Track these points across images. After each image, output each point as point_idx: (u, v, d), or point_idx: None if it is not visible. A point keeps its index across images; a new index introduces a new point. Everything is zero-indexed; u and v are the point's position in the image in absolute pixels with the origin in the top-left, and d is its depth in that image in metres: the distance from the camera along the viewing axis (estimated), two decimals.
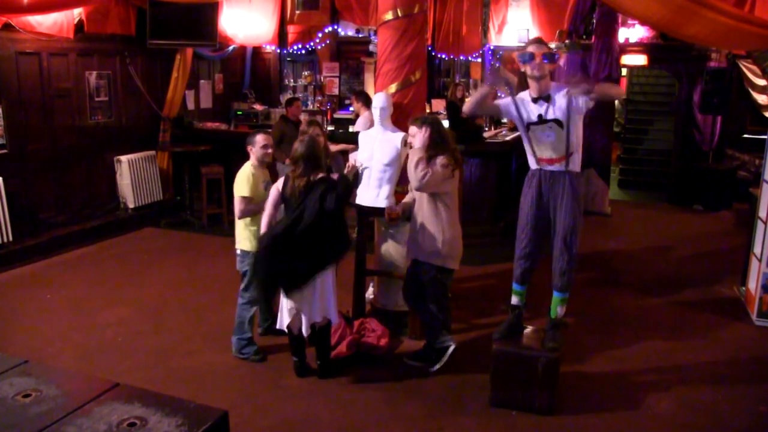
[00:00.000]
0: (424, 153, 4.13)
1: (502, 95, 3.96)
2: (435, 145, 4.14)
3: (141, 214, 8.05)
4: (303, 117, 7.52)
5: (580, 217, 3.84)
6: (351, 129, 7.33)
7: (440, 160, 4.12)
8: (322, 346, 4.27)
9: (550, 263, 3.92)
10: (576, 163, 3.81)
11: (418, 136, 4.19)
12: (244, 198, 4.34)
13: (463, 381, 4.30)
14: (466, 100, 4.06)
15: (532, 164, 3.90)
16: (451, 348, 4.35)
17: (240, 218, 4.39)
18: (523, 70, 3.78)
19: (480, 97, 3.88)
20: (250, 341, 4.55)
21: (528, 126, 3.79)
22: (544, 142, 3.76)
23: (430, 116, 4.44)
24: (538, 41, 3.86)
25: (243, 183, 4.35)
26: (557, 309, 3.95)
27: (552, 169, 3.79)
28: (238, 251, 4.49)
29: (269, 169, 4.80)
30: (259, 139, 4.46)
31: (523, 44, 10.15)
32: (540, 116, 3.72)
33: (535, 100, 3.75)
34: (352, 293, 4.98)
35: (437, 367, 4.35)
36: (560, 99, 3.69)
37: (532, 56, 3.66)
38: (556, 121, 3.69)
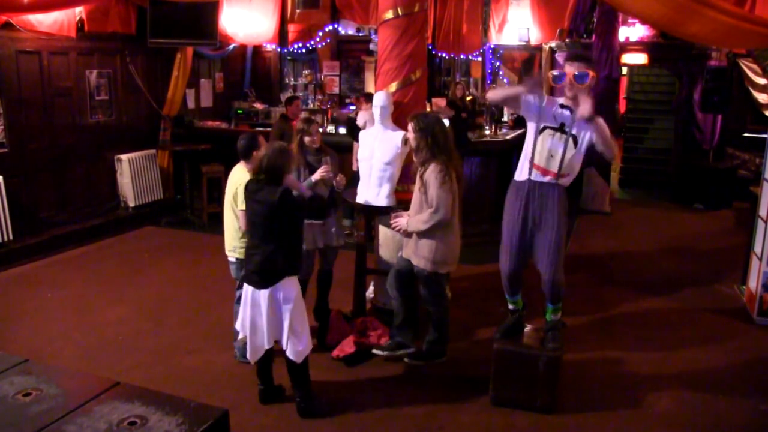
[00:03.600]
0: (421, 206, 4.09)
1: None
2: (428, 148, 4.02)
3: (141, 213, 8.05)
4: (302, 116, 7.52)
5: (565, 230, 3.84)
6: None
7: (434, 174, 3.95)
8: (299, 380, 3.86)
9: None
10: (566, 182, 3.83)
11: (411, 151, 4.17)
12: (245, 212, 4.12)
13: (464, 380, 4.31)
14: (490, 90, 4.02)
15: (523, 173, 3.84)
16: (409, 350, 4.35)
17: (247, 230, 4.20)
18: (555, 87, 3.79)
19: (511, 93, 3.94)
20: None
21: (544, 128, 3.74)
22: (550, 150, 3.72)
23: (432, 116, 4.27)
24: (578, 58, 3.77)
25: (242, 196, 4.12)
26: (552, 316, 3.99)
27: (542, 180, 3.77)
28: (233, 259, 4.37)
29: None
30: (264, 141, 4.29)
31: (524, 42, 10.21)
32: (563, 124, 3.70)
33: (563, 106, 3.73)
34: (353, 292, 4.98)
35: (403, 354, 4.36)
36: (585, 124, 3.67)
37: (564, 76, 3.65)
38: (573, 137, 3.68)
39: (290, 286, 3.70)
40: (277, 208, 3.56)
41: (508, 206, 3.92)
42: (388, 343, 4.50)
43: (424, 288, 4.24)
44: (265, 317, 3.66)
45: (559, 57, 9.51)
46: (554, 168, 3.74)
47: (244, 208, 4.11)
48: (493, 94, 4.07)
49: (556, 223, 3.76)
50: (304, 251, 4.62)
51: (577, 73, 3.62)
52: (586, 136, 3.69)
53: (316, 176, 4.35)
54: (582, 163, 3.88)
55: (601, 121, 3.62)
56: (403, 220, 4.15)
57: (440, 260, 4.11)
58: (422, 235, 4.08)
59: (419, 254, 4.13)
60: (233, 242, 4.33)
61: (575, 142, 3.69)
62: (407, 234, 4.18)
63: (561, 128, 3.71)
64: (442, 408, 3.96)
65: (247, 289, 3.73)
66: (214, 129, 8.88)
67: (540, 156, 3.77)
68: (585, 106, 3.55)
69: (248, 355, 3.83)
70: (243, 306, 3.78)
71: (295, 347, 3.71)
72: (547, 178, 3.76)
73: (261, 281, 3.65)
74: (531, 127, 3.84)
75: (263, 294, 3.64)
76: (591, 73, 3.64)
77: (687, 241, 7.74)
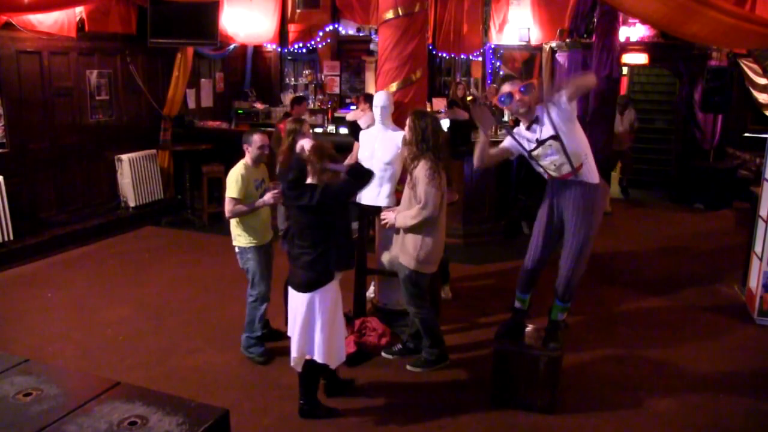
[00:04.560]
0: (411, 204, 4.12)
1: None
2: (416, 144, 4.07)
3: (142, 213, 8.05)
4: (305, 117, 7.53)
5: (593, 232, 3.77)
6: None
7: (424, 171, 4.00)
8: (307, 381, 3.85)
9: (556, 264, 3.90)
10: (588, 174, 3.73)
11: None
12: (232, 199, 4.26)
13: (464, 380, 4.31)
14: (474, 160, 3.97)
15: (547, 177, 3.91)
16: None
17: (229, 218, 4.35)
18: (507, 110, 3.79)
19: (482, 148, 3.82)
20: (259, 341, 4.51)
21: (530, 154, 3.76)
22: (549, 162, 3.72)
23: (429, 115, 4.27)
24: (508, 78, 3.87)
25: (232, 184, 4.27)
26: (558, 314, 3.97)
27: (564, 179, 3.77)
28: (237, 248, 4.46)
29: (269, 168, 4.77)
30: (256, 139, 4.38)
31: (524, 42, 10.20)
32: (537, 140, 3.70)
33: (528, 128, 3.74)
34: (353, 292, 4.98)
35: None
36: (544, 115, 3.65)
37: (510, 96, 3.65)
38: (553, 137, 3.63)
39: (329, 292, 3.67)
40: (318, 209, 3.56)
41: (542, 205, 3.95)
42: (399, 348, 4.54)
43: (404, 288, 4.26)
44: (294, 315, 3.70)
45: (560, 57, 9.51)
46: (567, 170, 3.71)
47: (232, 195, 4.23)
48: (477, 161, 3.90)
49: (578, 222, 3.73)
50: None
51: (520, 88, 3.63)
52: (558, 123, 3.59)
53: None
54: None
55: (569, 89, 3.54)
56: (391, 215, 4.22)
57: (424, 259, 4.15)
58: (409, 231, 4.14)
59: (405, 251, 4.19)
60: (233, 231, 4.43)
61: (558, 139, 3.61)
62: (396, 230, 4.25)
63: (539, 143, 3.69)
64: (443, 408, 3.96)
65: (291, 292, 3.75)
66: (215, 129, 8.89)
67: (548, 171, 3.79)
68: (560, 95, 3.52)
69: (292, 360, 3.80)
70: (289, 307, 3.80)
71: (323, 348, 3.66)
72: (568, 179, 3.76)
73: (302, 285, 3.66)
74: (523, 154, 3.84)
75: (302, 297, 3.65)
76: (533, 81, 3.70)
77: (687, 241, 7.74)
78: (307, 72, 11.07)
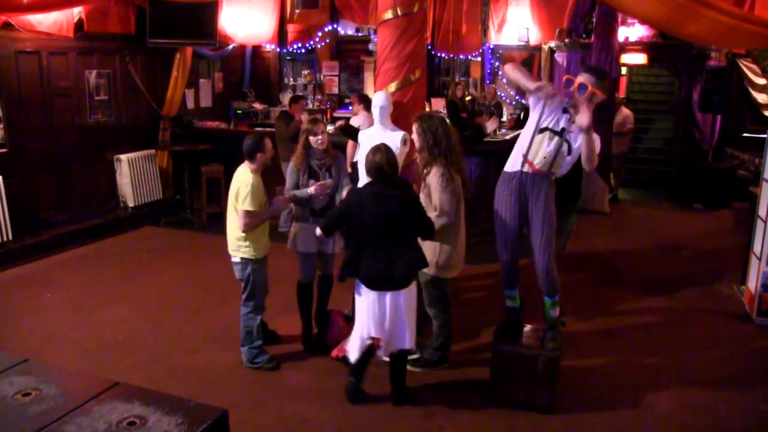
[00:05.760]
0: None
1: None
2: (428, 149, 4.03)
3: (141, 213, 8.04)
4: (303, 116, 7.53)
5: (555, 221, 3.86)
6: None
7: (436, 178, 3.96)
8: (399, 372, 4.02)
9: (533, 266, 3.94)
10: (554, 176, 3.87)
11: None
12: (248, 212, 4.10)
13: (463, 380, 4.31)
14: (511, 66, 4.00)
15: (515, 165, 3.87)
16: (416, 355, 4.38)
17: (245, 231, 4.16)
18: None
19: (524, 85, 3.86)
20: (262, 349, 4.43)
21: (544, 129, 3.77)
22: (545, 151, 3.75)
23: (436, 118, 4.22)
24: (587, 69, 3.78)
25: (248, 196, 4.09)
26: (550, 312, 3.98)
27: (532, 173, 3.81)
28: (238, 259, 4.29)
29: (272, 169, 4.70)
30: (269, 145, 4.24)
31: (523, 42, 10.18)
32: (563, 129, 3.73)
33: (565, 110, 3.75)
34: (353, 292, 4.96)
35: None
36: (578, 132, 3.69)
37: (570, 83, 3.66)
38: (569, 143, 3.72)
39: (414, 284, 3.87)
40: (409, 202, 3.69)
41: (500, 197, 3.94)
42: (417, 359, 4.46)
43: (426, 292, 4.25)
44: (392, 316, 3.78)
45: (559, 57, 9.52)
46: (545, 168, 3.80)
47: (249, 208, 4.11)
48: (512, 73, 3.94)
49: (546, 214, 3.80)
50: (302, 254, 4.63)
51: (580, 84, 3.63)
52: (573, 140, 3.74)
53: (311, 190, 4.35)
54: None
55: (594, 136, 3.65)
56: None
57: (443, 264, 4.13)
58: (427, 240, 4.07)
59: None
60: (237, 242, 4.27)
61: (569, 149, 3.74)
62: None
63: (560, 133, 3.74)
64: (442, 408, 3.96)
65: (380, 294, 3.75)
66: (214, 129, 8.88)
67: (534, 154, 3.80)
68: (584, 117, 3.57)
69: (382, 353, 3.92)
70: (372, 309, 3.77)
71: (411, 338, 3.85)
72: (537, 174, 3.82)
73: (401, 284, 3.75)
74: (533, 119, 3.85)
75: (401, 294, 3.75)
76: (589, 87, 3.60)
77: (687, 241, 7.74)
78: (306, 72, 11.07)
